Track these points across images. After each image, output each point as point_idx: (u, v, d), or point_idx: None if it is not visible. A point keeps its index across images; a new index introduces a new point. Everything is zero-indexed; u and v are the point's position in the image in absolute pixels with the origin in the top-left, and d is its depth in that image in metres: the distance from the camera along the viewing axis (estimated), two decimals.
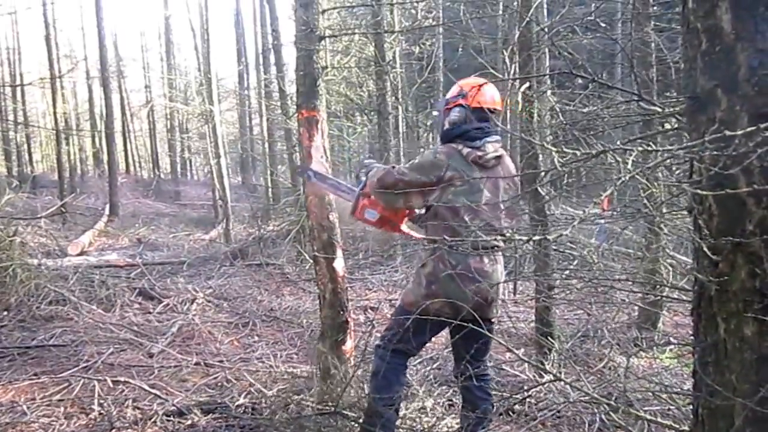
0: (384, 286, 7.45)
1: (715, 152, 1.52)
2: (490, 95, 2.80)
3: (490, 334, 2.67)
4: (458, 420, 3.12)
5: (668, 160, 2.18)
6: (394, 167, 2.76)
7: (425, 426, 3.07)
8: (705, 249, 1.67)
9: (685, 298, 3.08)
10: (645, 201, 1.92)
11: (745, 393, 1.75)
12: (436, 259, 2.65)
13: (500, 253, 2.79)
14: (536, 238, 1.33)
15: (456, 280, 2.57)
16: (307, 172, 3.34)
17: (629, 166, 1.30)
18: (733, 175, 1.64)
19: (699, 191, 1.51)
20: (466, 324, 2.48)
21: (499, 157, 2.73)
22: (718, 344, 1.82)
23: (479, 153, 2.66)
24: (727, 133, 1.48)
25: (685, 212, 2.63)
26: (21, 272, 5.77)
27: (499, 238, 2.68)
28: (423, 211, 2.83)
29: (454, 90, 2.84)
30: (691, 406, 2.29)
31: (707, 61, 1.75)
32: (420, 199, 2.69)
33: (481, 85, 2.72)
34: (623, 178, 1.36)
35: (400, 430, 2.96)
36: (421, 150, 18.32)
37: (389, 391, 2.69)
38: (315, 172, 3.30)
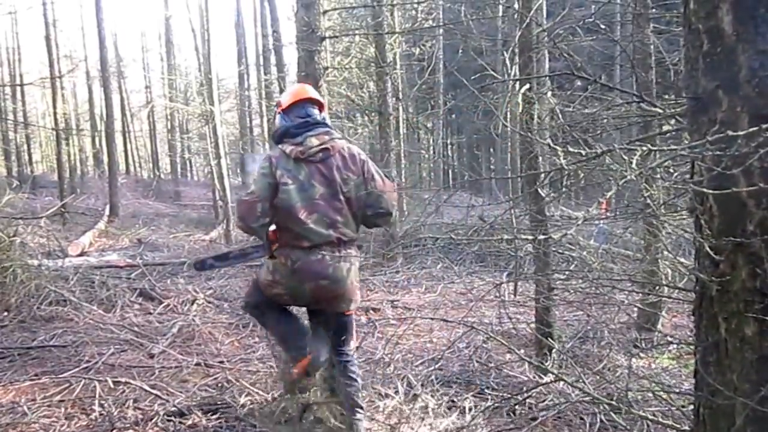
0: (385, 286, 7.46)
1: (717, 153, 1.52)
2: (297, 90, 3.00)
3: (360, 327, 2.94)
4: (460, 419, 3.13)
5: (667, 162, 2.19)
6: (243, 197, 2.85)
7: (427, 425, 3.08)
8: (707, 249, 1.68)
9: (684, 298, 3.09)
10: (648, 201, 1.92)
11: (746, 392, 1.76)
12: (280, 254, 2.77)
13: (349, 247, 2.77)
14: (541, 237, 1.33)
15: (296, 275, 2.70)
16: (206, 264, 3.44)
17: (633, 166, 1.30)
18: (733, 176, 1.65)
19: (702, 190, 1.51)
20: (321, 312, 2.82)
21: (326, 149, 2.76)
22: (719, 344, 1.82)
23: (300, 148, 2.74)
24: (730, 133, 1.48)
25: (685, 213, 2.65)
26: (21, 273, 5.77)
27: (345, 231, 2.73)
28: None
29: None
30: (691, 406, 2.30)
31: (708, 63, 1.75)
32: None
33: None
34: (628, 178, 1.37)
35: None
36: (422, 151, 18.38)
37: (275, 323, 2.93)
38: (214, 258, 3.39)
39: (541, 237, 1.42)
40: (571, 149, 1.44)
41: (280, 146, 2.81)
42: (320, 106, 2.96)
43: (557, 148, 1.32)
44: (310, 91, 2.98)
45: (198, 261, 3.49)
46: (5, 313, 5.47)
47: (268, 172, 2.73)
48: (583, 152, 1.38)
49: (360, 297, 2.94)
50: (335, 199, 2.71)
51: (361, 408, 2.88)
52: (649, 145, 1.46)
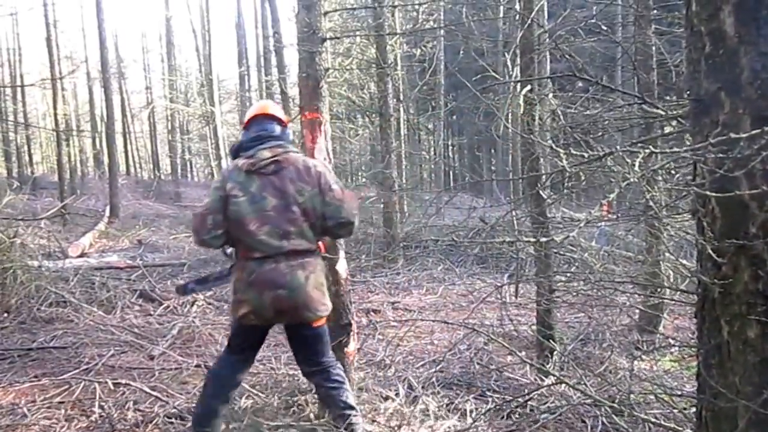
0: (386, 288, 7.44)
1: (719, 155, 1.52)
2: (257, 106, 3.11)
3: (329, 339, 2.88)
4: (461, 421, 3.12)
5: (669, 164, 2.19)
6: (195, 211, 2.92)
7: (427, 427, 3.07)
8: (709, 251, 1.67)
9: (686, 301, 3.09)
10: (651, 203, 1.92)
11: (749, 395, 1.75)
12: (236, 269, 2.81)
13: (305, 257, 2.77)
14: (544, 239, 1.33)
15: (254, 287, 2.71)
16: (187, 289, 3.45)
17: (636, 168, 1.30)
18: (735, 178, 1.64)
19: (706, 192, 1.50)
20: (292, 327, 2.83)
21: (278, 161, 2.79)
22: (721, 347, 1.82)
23: (251, 161, 2.78)
24: (732, 135, 1.48)
25: (686, 215, 2.64)
26: (21, 274, 5.76)
27: (299, 242, 2.73)
28: None
29: None
30: (693, 409, 2.30)
31: (710, 64, 1.75)
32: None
33: None
34: (630, 180, 1.36)
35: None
36: (423, 153, 18.37)
37: (210, 380, 2.92)
38: (195, 282, 3.41)
39: (544, 239, 1.41)
40: (573, 151, 1.43)
41: (235, 161, 2.88)
42: (281, 122, 3.00)
43: (560, 150, 1.31)
44: (270, 108, 3.06)
45: (179, 286, 3.51)
46: (5, 315, 5.47)
47: (219, 185, 2.81)
48: (586, 154, 1.38)
49: (329, 305, 2.84)
50: (288, 210, 2.73)
51: (353, 408, 2.83)
52: (651, 147, 1.46)
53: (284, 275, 2.69)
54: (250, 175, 2.76)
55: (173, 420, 3.32)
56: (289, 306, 2.72)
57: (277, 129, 2.95)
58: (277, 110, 3.08)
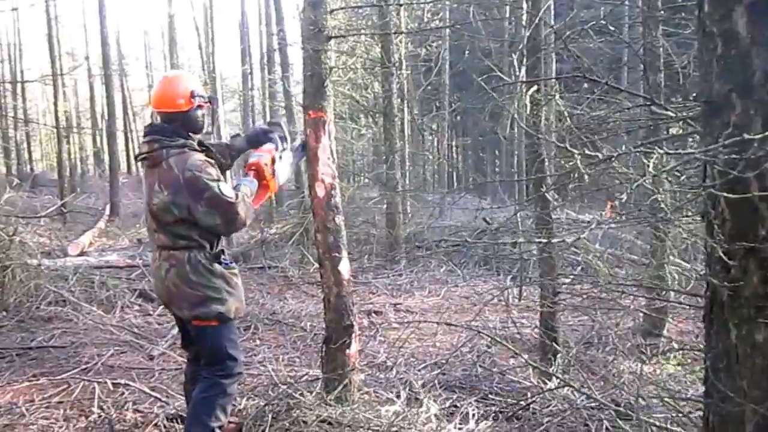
0: (388, 290, 7.42)
1: (733, 155, 1.49)
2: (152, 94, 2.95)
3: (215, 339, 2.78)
4: (463, 424, 3.09)
5: (677, 166, 2.16)
6: None
7: (429, 430, 3.04)
8: (720, 253, 1.65)
9: (691, 304, 3.06)
10: (658, 205, 1.89)
11: (757, 399, 1.73)
12: None
13: (169, 251, 2.73)
14: (555, 240, 1.30)
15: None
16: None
17: (650, 169, 1.27)
18: (745, 180, 1.62)
19: (717, 192, 1.48)
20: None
21: (147, 158, 2.76)
22: (729, 350, 1.80)
23: (138, 151, 2.87)
24: (746, 136, 1.46)
25: (692, 219, 2.62)
26: (20, 272, 5.74)
27: (162, 238, 2.74)
28: None
29: None
30: (699, 413, 2.28)
31: (722, 66, 1.73)
32: None
33: None
34: (640, 182, 1.34)
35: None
36: (427, 153, 18.31)
37: None
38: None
39: (555, 240, 1.39)
40: (580, 152, 1.41)
41: None
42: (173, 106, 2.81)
43: (574, 150, 1.29)
44: (155, 99, 2.86)
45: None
46: (4, 313, 5.45)
47: None
48: (600, 155, 1.36)
49: (209, 310, 2.69)
50: (149, 207, 2.76)
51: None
52: (664, 148, 1.43)
53: (154, 266, 2.85)
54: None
55: (173, 421, 3.29)
56: (161, 295, 2.87)
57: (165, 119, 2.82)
58: (168, 95, 2.81)
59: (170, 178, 2.66)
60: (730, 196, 1.59)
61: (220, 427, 2.78)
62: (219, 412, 2.74)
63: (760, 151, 1.59)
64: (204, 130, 2.91)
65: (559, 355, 3.94)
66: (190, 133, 2.80)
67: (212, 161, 2.80)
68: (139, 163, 2.93)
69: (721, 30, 1.72)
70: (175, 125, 2.78)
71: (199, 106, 2.82)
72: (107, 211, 15.24)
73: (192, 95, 2.78)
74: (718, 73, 1.73)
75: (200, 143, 2.87)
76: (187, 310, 2.74)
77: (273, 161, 3.00)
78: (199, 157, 2.73)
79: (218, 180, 2.68)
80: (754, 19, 1.66)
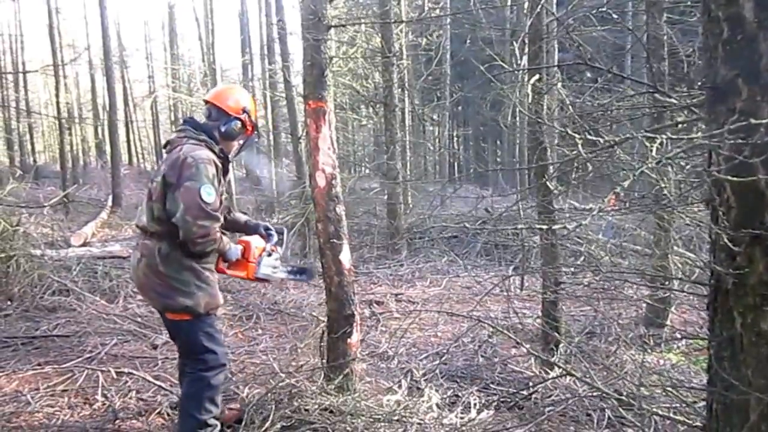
0: (389, 280, 7.43)
1: (740, 140, 1.47)
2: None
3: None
4: (465, 413, 3.10)
5: (681, 153, 2.15)
6: None
7: (430, 420, 3.05)
8: (725, 241, 1.63)
9: (694, 293, 3.05)
10: (662, 193, 1.88)
11: (761, 388, 1.72)
12: None
13: (149, 238, 2.74)
14: (556, 227, 1.29)
15: None
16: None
17: (654, 154, 1.26)
18: (751, 166, 1.61)
19: (722, 177, 1.46)
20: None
21: (167, 144, 2.86)
22: (734, 339, 1.79)
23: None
24: (752, 121, 1.44)
25: (698, 206, 2.60)
26: (24, 262, 5.77)
27: (146, 223, 2.75)
28: None
29: None
30: (702, 403, 2.27)
31: (728, 50, 1.70)
32: None
33: None
34: (643, 168, 1.33)
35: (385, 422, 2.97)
36: (428, 143, 18.27)
37: None
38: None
39: (557, 227, 1.38)
40: (588, 137, 1.40)
41: None
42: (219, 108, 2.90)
43: (576, 135, 1.27)
44: (211, 95, 3.01)
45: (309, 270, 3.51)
46: (8, 303, 5.47)
47: None
48: (602, 140, 1.34)
49: (179, 302, 2.67)
50: (149, 194, 2.77)
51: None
52: (668, 134, 1.42)
53: (132, 256, 2.86)
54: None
55: (176, 409, 3.31)
56: (135, 284, 2.90)
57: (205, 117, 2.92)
58: (225, 93, 2.97)
59: (175, 158, 2.70)
60: (736, 179, 1.57)
61: (215, 418, 2.81)
62: (208, 404, 2.76)
63: (766, 137, 1.57)
64: (233, 147, 2.98)
65: (561, 345, 3.94)
66: (218, 137, 2.85)
67: (219, 166, 2.79)
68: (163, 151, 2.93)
69: (727, 14, 1.69)
70: (211, 123, 2.87)
71: (242, 122, 2.90)
72: (109, 202, 15.26)
73: (243, 109, 2.90)
74: (724, 58, 1.71)
75: (221, 151, 2.86)
76: (156, 300, 2.78)
77: (263, 251, 3.00)
78: (209, 154, 2.74)
79: (210, 182, 2.64)
80: (761, 2, 1.64)
